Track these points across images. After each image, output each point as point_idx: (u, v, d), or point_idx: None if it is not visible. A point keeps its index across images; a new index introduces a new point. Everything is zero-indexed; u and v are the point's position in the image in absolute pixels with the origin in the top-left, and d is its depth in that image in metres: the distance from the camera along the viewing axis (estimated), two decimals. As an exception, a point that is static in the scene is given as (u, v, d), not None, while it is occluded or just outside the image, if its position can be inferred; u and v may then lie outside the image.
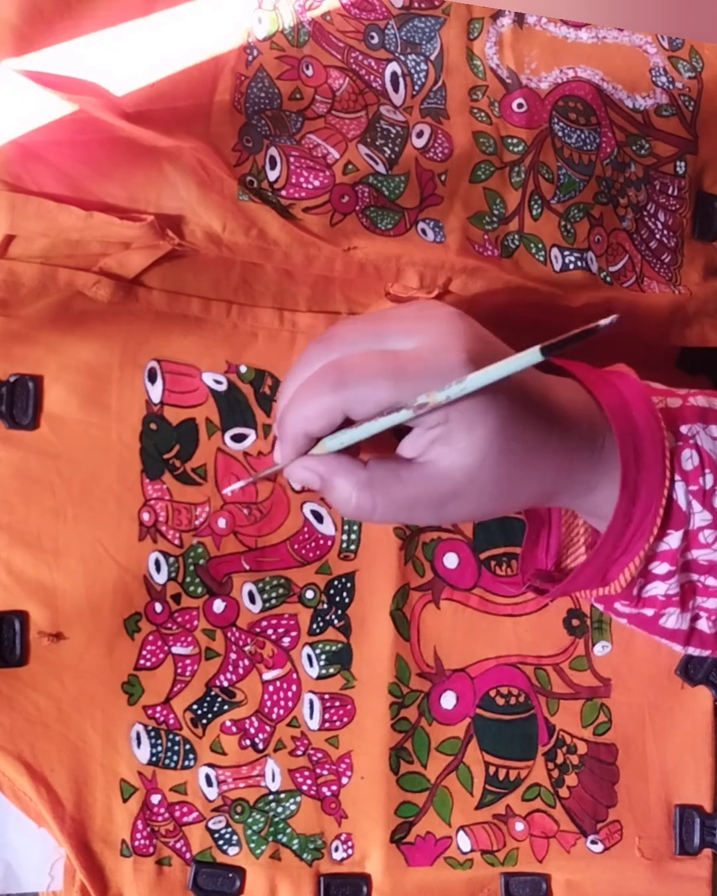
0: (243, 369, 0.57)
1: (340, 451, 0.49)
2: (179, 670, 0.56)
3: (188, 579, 0.56)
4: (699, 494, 0.51)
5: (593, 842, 0.60)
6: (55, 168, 0.53)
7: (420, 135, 0.60)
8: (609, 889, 0.60)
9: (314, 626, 0.58)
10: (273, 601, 0.57)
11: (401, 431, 0.48)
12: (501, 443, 0.47)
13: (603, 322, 0.43)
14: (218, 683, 0.56)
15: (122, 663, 0.55)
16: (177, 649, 0.56)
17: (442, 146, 0.60)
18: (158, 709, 0.55)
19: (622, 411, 0.51)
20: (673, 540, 0.52)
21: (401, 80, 0.60)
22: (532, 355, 0.44)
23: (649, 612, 0.54)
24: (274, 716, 0.57)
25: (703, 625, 0.55)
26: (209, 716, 0.56)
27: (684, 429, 0.52)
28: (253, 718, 0.57)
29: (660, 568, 0.53)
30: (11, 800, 0.53)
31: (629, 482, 0.50)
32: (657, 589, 0.53)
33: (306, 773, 0.57)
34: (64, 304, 0.54)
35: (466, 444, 0.47)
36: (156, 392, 0.56)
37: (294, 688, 0.57)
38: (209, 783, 0.56)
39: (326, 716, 0.58)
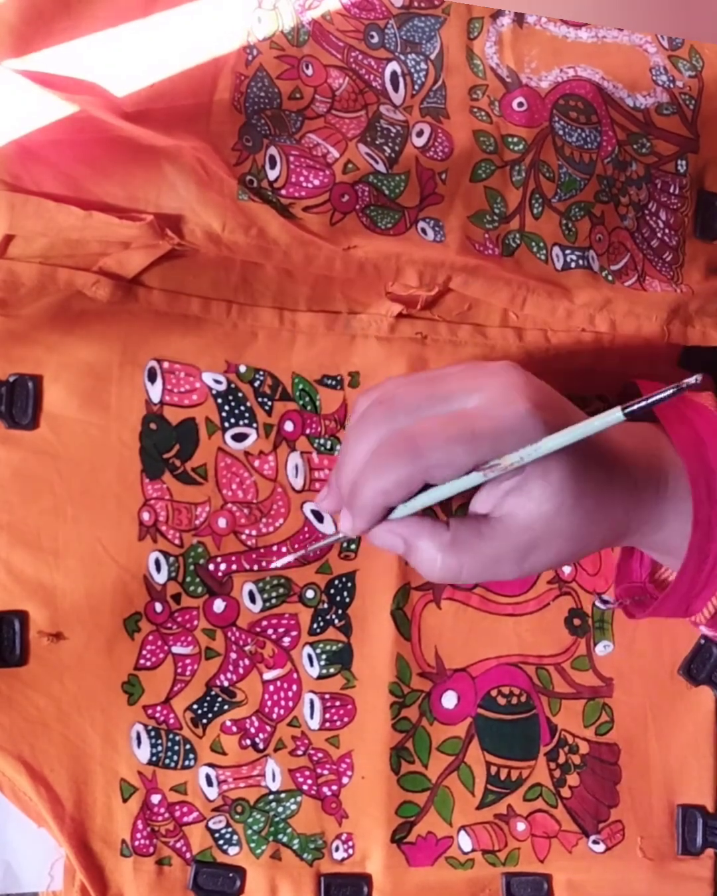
0: (243, 369, 0.57)
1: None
2: (179, 670, 0.56)
3: (188, 579, 0.56)
4: None
5: (594, 842, 0.60)
6: (55, 168, 0.53)
7: (420, 134, 0.60)
8: (611, 889, 0.60)
9: (315, 625, 0.58)
10: (273, 601, 0.57)
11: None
12: (574, 488, 0.48)
13: (688, 381, 0.44)
14: (218, 683, 0.56)
15: (122, 663, 0.55)
16: (177, 649, 0.56)
17: (442, 145, 0.60)
18: (158, 708, 0.55)
19: (695, 449, 0.52)
20: None
21: (401, 79, 0.60)
22: (613, 416, 0.45)
23: None
24: (274, 715, 0.57)
25: None
26: (209, 715, 0.56)
27: None
28: (253, 718, 0.57)
29: None
30: (11, 800, 0.53)
31: (702, 519, 0.51)
32: None
33: (307, 773, 0.57)
34: (63, 303, 0.54)
35: (541, 492, 0.48)
36: (155, 392, 0.56)
37: (294, 687, 0.57)
38: (209, 783, 0.56)
39: (327, 715, 0.57)
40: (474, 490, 0.49)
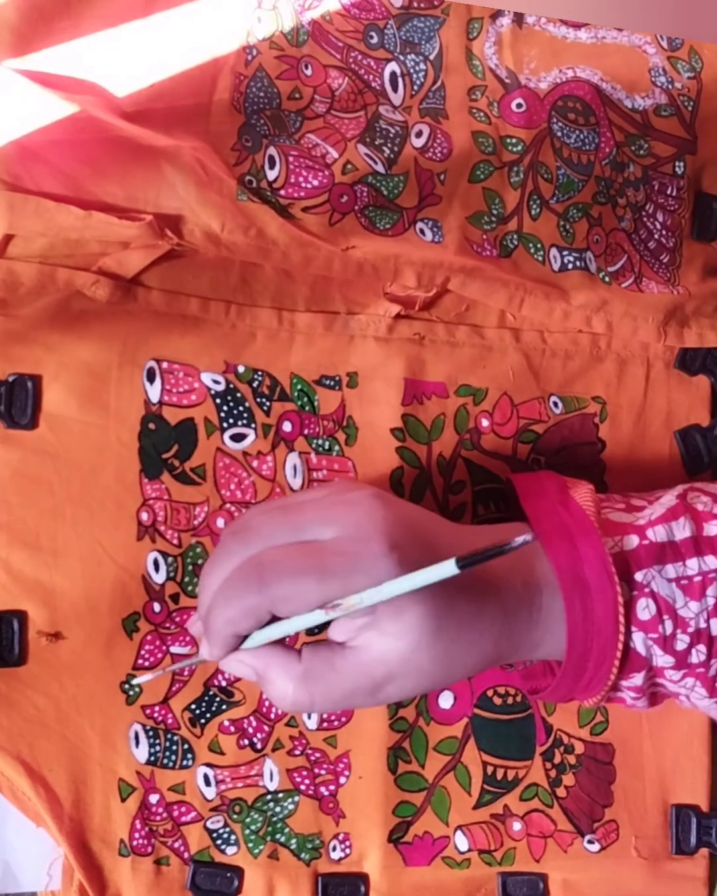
0: (242, 369, 0.57)
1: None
2: (178, 670, 0.56)
3: (187, 579, 0.56)
4: (660, 641, 0.51)
5: (590, 841, 0.60)
6: (54, 168, 0.53)
7: (419, 134, 0.60)
8: (606, 888, 0.60)
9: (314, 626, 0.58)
10: (272, 601, 0.57)
11: None
12: (432, 624, 0.47)
13: (516, 540, 0.43)
14: (216, 683, 0.56)
15: (120, 663, 0.55)
16: (175, 649, 0.56)
17: (441, 146, 0.60)
18: (157, 708, 0.55)
19: (572, 573, 0.50)
20: (637, 679, 0.52)
21: (400, 79, 0.60)
22: (447, 568, 0.44)
23: (636, 703, 0.55)
24: (272, 715, 0.57)
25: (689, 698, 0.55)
26: (207, 715, 0.56)
27: (639, 576, 0.51)
28: (251, 718, 0.57)
29: (628, 693, 0.53)
30: (10, 799, 0.53)
31: (577, 642, 0.50)
32: (633, 701, 0.54)
33: (304, 773, 0.57)
34: (63, 303, 0.54)
35: (395, 629, 0.47)
36: (154, 392, 0.56)
37: (293, 688, 0.57)
38: (207, 783, 0.56)
39: (324, 716, 0.58)
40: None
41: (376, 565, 0.46)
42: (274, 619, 0.48)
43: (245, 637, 0.49)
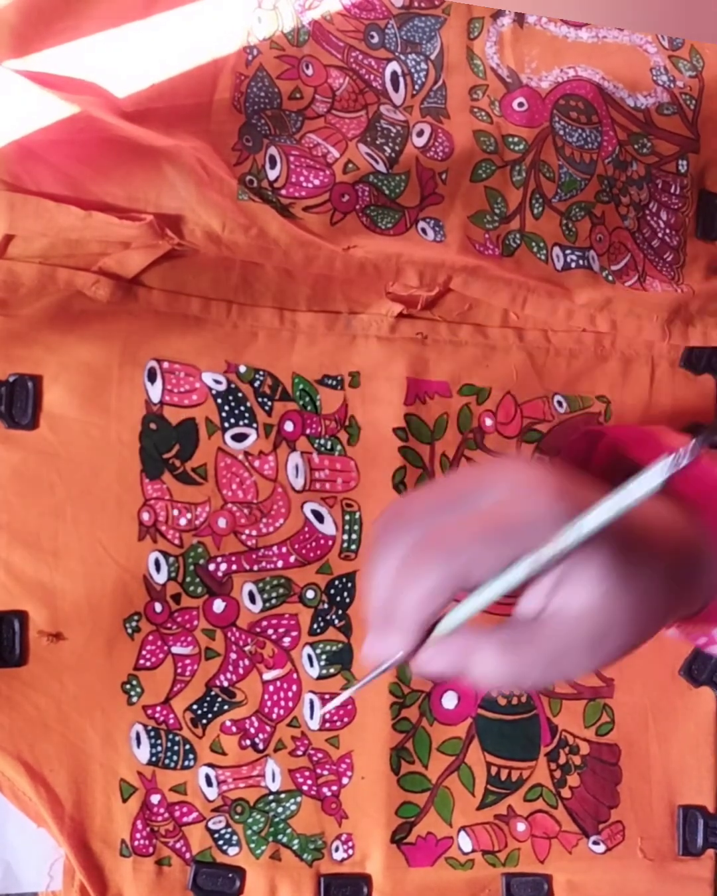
0: (243, 369, 0.57)
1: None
2: (179, 670, 0.56)
3: (188, 579, 0.56)
4: None
5: (595, 842, 0.60)
6: (55, 168, 0.53)
7: (420, 134, 0.60)
8: (611, 890, 0.60)
9: (315, 625, 0.58)
10: (273, 601, 0.57)
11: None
12: (619, 566, 0.44)
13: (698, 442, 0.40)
14: (218, 683, 0.56)
15: (121, 663, 0.55)
16: (177, 649, 0.56)
17: (442, 145, 0.60)
18: (158, 709, 0.55)
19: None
20: None
21: (401, 79, 0.60)
22: (653, 481, 0.41)
23: None
24: (274, 716, 0.57)
25: None
26: (209, 716, 0.56)
27: None
28: (253, 718, 0.57)
29: None
30: (11, 800, 0.53)
31: None
32: None
33: (307, 774, 0.57)
34: (63, 303, 0.54)
35: (586, 581, 0.44)
36: (155, 392, 0.56)
37: (294, 688, 0.57)
38: (209, 783, 0.56)
39: (327, 716, 0.57)
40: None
41: (553, 512, 0.43)
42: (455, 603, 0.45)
43: (431, 629, 0.45)
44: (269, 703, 0.57)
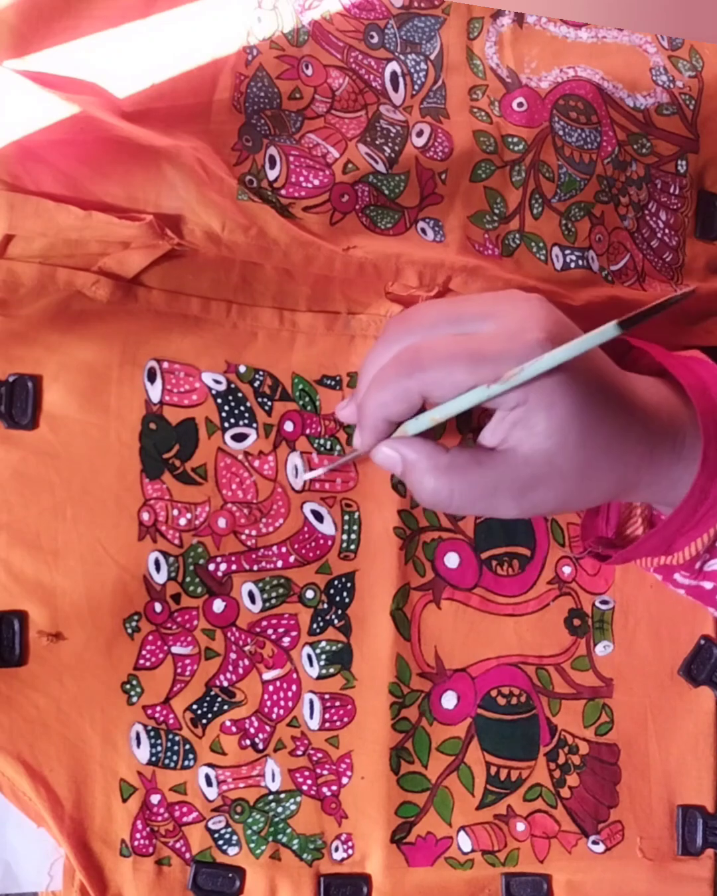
0: (243, 369, 0.57)
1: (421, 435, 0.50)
2: (179, 670, 0.56)
3: (188, 579, 0.56)
4: None
5: (594, 842, 0.60)
6: (54, 168, 0.53)
7: (420, 134, 0.60)
8: (611, 890, 0.60)
9: (314, 625, 0.58)
10: (273, 601, 0.57)
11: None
12: (580, 425, 0.47)
13: (677, 294, 0.44)
14: (218, 683, 0.56)
15: (121, 663, 0.55)
16: (176, 649, 0.56)
17: (442, 145, 0.60)
18: (158, 709, 0.55)
19: (702, 393, 0.51)
20: None
21: (401, 79, 0.60)
22: (609, 330, 0.45)
23: (708, 584, 0.54)
24: (274, 716, 0.57)
25: None
26: (209, 716, 0.56)
27: None
28: (253, 718, 0.57)
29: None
30: (11, 800, 0.53)
31: (710, 458, 0.50)
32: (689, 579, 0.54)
33: (306, 773, 0.57)
34: (63, 303, 0.54)
35: (545, 426, 0.47)
36: (155, 392, 0.56)
37: (294, 688, 0.57)
38: (209, 783, 0.56)
39: (327, 716, 0.57)
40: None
41: (531, 353, 0.46)
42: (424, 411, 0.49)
43: (396, 427, 0.50)
44: (268, 703, 0.57)
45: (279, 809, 0.56)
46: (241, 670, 0.57)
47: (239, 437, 0.57)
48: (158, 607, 0.55)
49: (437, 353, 0.47)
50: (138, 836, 0.54)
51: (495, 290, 0.57)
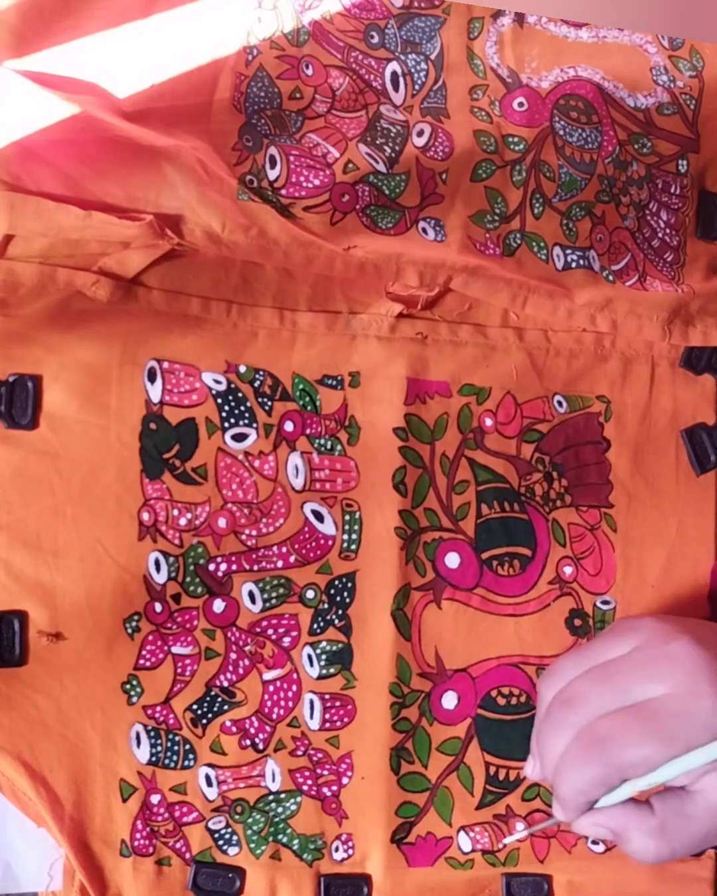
0: (243, 369, 0.57)
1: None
2: (179, 670, 0.56)
3: (188, 579, 0.56)
4: None
5: (594, 842, 0.60)
6: (54, 168, 0.53)
7: (421, 134, 0.60)
8: (611, 889, 0.60)
9: (315, 625, 0.58)
10: (273, 601, 0.57)
11: None
12: None
13: None
14: (218, 683, 0.56)
15: (121, 663, 0.55)
16: (177, 649, 0.56)
17: (443, 145, 0.60)
18: (158, 709, 0.55)
19: None
20: None
21: (401, 79, 0.60)
22: None
23: None
24: (274, 716, 0.57)
25: None
26: (209, 716, 0.56)
27: None
28: (253, 718, 0.57)
29: None
30: (11, 800, 0.53)
31: None
32: None
33: (307, 774, 0.57)
34: (63, 303, 0.54)
35: None
36: (155, 392, 0.56)
37: (294, 688, 0.57)
38: (209, 783, 0.56)
39: (327, 716, 0.57)
40: None
41: (712, 719, 0.47)
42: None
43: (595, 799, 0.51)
44: (269, 703, 0.57)
45: (279, 809, 0.56)
46: (241, 670, 0.57)
47: (239, 437, 0.57)
48: (158, 607, 0.55)
49: (624, 740, 0.48)
50: (138, 836, 0.54)
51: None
